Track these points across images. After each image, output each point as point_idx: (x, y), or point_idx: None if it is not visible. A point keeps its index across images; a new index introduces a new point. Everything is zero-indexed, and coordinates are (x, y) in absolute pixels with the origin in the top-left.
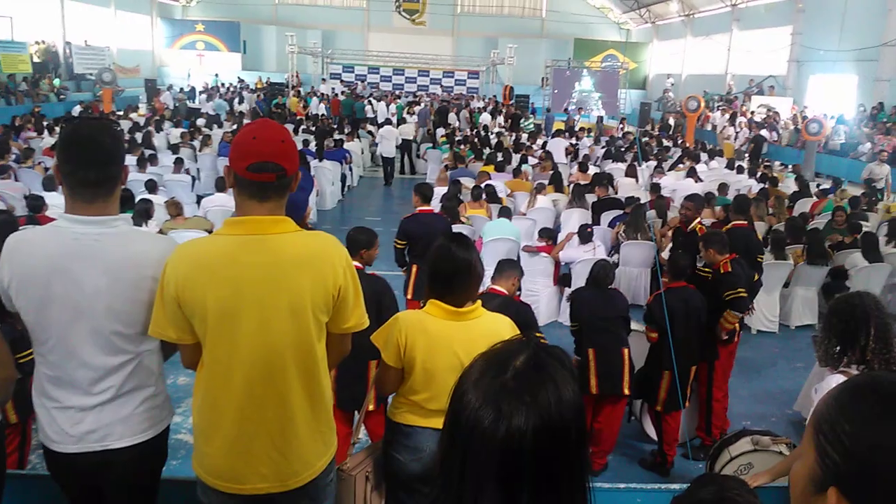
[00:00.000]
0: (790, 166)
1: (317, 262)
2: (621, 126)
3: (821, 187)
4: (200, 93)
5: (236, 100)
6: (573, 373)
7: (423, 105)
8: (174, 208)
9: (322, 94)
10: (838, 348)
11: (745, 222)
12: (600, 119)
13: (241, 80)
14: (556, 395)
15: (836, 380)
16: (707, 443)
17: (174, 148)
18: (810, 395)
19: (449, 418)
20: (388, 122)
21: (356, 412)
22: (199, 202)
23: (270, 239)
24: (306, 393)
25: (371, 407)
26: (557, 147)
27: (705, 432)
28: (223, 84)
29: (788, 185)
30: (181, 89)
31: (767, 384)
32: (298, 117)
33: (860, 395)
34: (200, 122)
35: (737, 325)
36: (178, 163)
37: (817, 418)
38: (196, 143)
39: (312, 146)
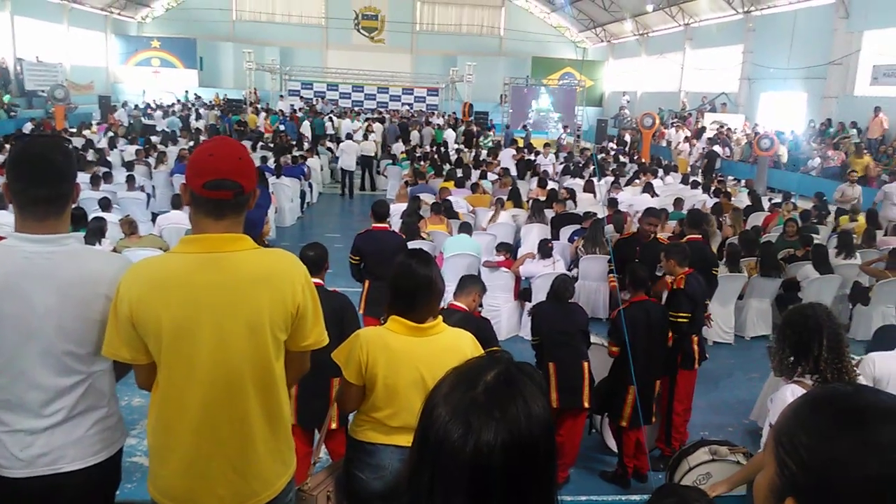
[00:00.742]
0: (743, 181)
1: (275, 280)
2: (577, 142)
3: (773, 201)
4: (155, 110)
5: (192, 116)
6: (543, 389)
7: (387, 122)
8: (128, 226)
9: (280, 111)
10: (792, 358)
11: (700, 236)
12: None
13: (197, 97)
14: (525, 411)
15: (791, 389)
16: (667, 454)
17: (128, 165)
18: (766, 405)
19: (418, 433)
20: (349, 136)
21: (316, 430)
22: (154, 220)
23: (227, 257)
24: (265, 412)
25: (333, 425)
26: (505, 157)
27: (665, 443)
28: (179, 100)
29: (741, 200)
30: (136, 106)
31: (724, 394)
32: (266, 134)
33: (818, 408)
34: (155, 139)
35: (695, 348)
36: (131, 180)
37: (777, 430)
38: (151, 161)
39: (271, 163)
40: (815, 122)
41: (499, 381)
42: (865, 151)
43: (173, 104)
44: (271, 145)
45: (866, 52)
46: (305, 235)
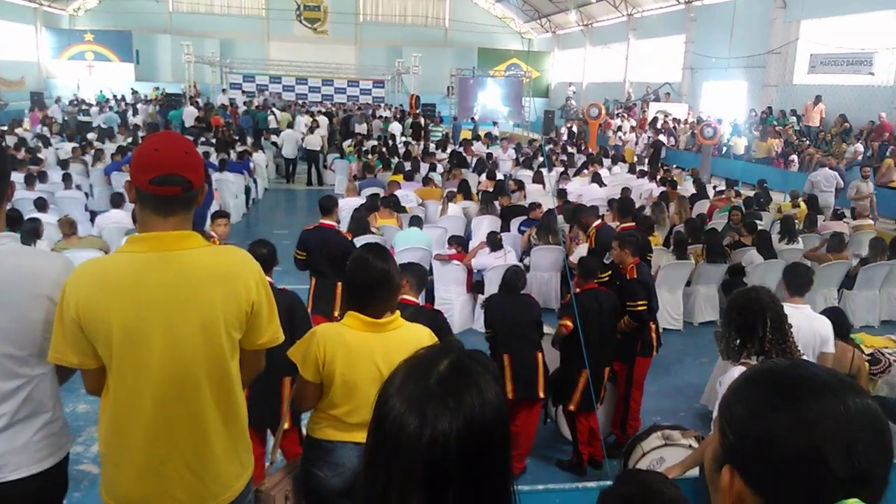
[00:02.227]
0: (688, 169)
1: (228, 278)
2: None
3: (717, 189)
4: (91, 106)
5: (130, 112)
6: (496, 376)
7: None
8: (68, 227)
9: (222, 104)
10: (738, 341)
11: (633, 224)
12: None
13: (134, 92)
14: (479, 399)
15: (738, 371)
16: (621, 440)
17: (64, 164)
18: (715, 388)
19: (373, 426)
20: (289, 125)
21: (270, 431)
22: (93, 220)
23: (177, 255)
24: (221, 413)
25: (286, 426)
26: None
27: (621, 430)
28: (115, 96)
29: (687, 188)
30: (70, 101)
31: (675, 380)
32: (217, 126)
33: (756, 383)
34: (92, 136)
35: (654, 335)
36: (67, 179)
37: (721, 402)
38: (88, 158)
39: (214, 158)
40: (755, 110)
41: (452, 371)
42: (784, 136)
43: (108, 100)
44: (213, 140)
45: (804, 42)
46: (252, 232)
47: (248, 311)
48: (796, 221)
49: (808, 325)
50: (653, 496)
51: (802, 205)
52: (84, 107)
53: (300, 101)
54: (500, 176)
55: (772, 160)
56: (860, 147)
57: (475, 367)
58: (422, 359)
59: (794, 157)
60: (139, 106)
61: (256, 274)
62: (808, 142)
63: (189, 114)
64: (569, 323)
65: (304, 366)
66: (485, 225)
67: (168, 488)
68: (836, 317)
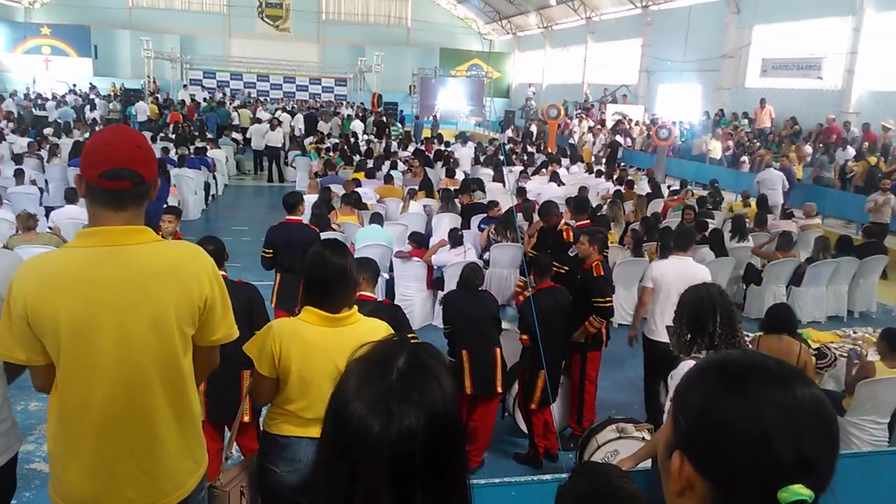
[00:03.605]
0: (644, 169)
1: (180, 273)
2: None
3: (672, 188)
4: (47, 100)
5: (87, 107)
6: (447, 366)
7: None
8: (28, 221)
9: (182, 101)
10: (689, 336)
11: (588, 221)
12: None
13: (92, 87)
14: (441, 391)
15: (689, 365)
16: (577, 433)
17: (17, 158)
18: (668, 382)
19: (330, 430)
20: (258, 120)
21: (227, 426)
22: (47, 215)
23: (128, 250)
24: (173, 410)
25: (245, 419)
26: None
27: (577, 423)
28: (72, 90)
29: (643, 188)
30: (25, 96)
31: (629, 373)
32: (176, 122)
33: (709, 371)
34: (48, 131)
35: (604, 329)
36: (19, 175)
37: (675, 390)
38: (44, 153)
39: (173, 153)
40: (709, 112)
41: (411, 366)
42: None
43: (65, 94)
44: (172, 136)
45: (756, 46)
46: (211, 228)
47: (200, 306)
48: (747, 220)
49: (692, 271)
50: (612, 491)
51: (753, 204)
52: (40, 101)
53: (261, 98)
54: (459, 174)
55: (721, 161)
56: (809, 149)
57: (430, 360)
58: (376, 357)
59: (745, 158)
60: (97, 101)
61: (209, 269)
62: (758, 143)
63: (141, 109)
64: (526, 338)
65: (260, 361)
66: (445, 222)
67: (119, 488)
68: (784, 313)
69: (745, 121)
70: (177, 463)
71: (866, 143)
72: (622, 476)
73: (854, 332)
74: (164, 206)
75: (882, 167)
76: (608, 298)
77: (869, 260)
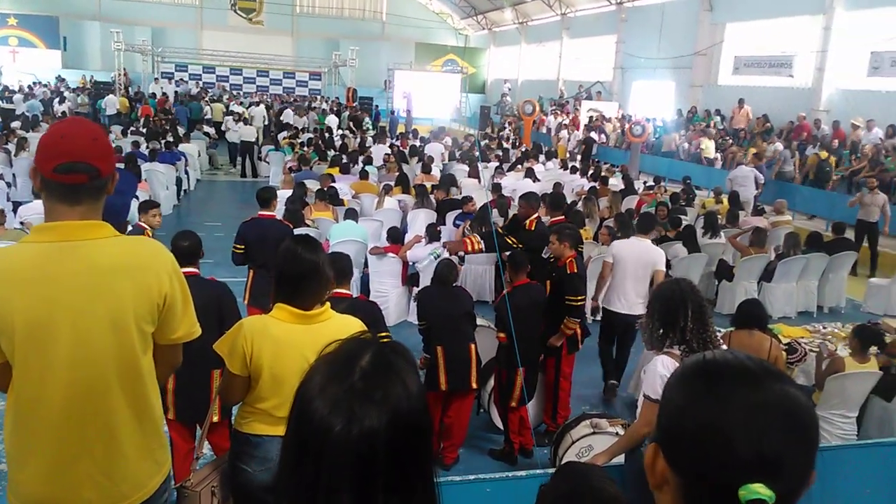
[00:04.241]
0: (618, 166)
1: (139, 269)
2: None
3: (646, 184)
4: (14, 93)
5: (56, 100)
6: (415, 365)
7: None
8: None
9: (153, 94)
10: (661, 331)
11: (563, 217)
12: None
13: (61, 79)
14: (405, 391)
15: (661, 360)
16: (552, 429)
17: None
18: (641, 377)
19: (293, 428)
20: (231, 114)
21: (198, 425)
22: (15, 211)
23: (84, 245)
24: (132, 410)
25: (215, 419)
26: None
27: (552, 419)
28: (39, 83)
29: (617, 184)
30: None
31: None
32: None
33: (690, 371)
34: (15, 124)
35: (578, 329)
36: None
37: (662, 390)
38: (11, 147)
39: (144, 148)
40: (682, 109)
41: (374, 366)
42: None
43: (32, 86)
44: (143, 130)
45: (729, 44)
46: (183, 224)
47: (160, 303)
48: (719, 217)
49: (646, 250)
50: (591, 492)
51: (725, 201)
52: (7, 94)
53: (234, 91)
54: (435, 171)
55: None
56: (780, 146)
57: (396, 359)
58: (341, 355)
59: (718, 155)
60: (66, 94)
61: (169, 265)
62: (731, 141)
63: (111, 102)
64: (503, 335)
65: (231, 359)
66: (421, 218)
67: (77, 489)
68: (755, 309)
69: (718, 118)
70: (136, 464)
71: (836, 141)
72: (604, 478)
73: (824, 328)
74: (134, 200)
75: (832, 162)
76: (580, 297)
77: (838, 256)
